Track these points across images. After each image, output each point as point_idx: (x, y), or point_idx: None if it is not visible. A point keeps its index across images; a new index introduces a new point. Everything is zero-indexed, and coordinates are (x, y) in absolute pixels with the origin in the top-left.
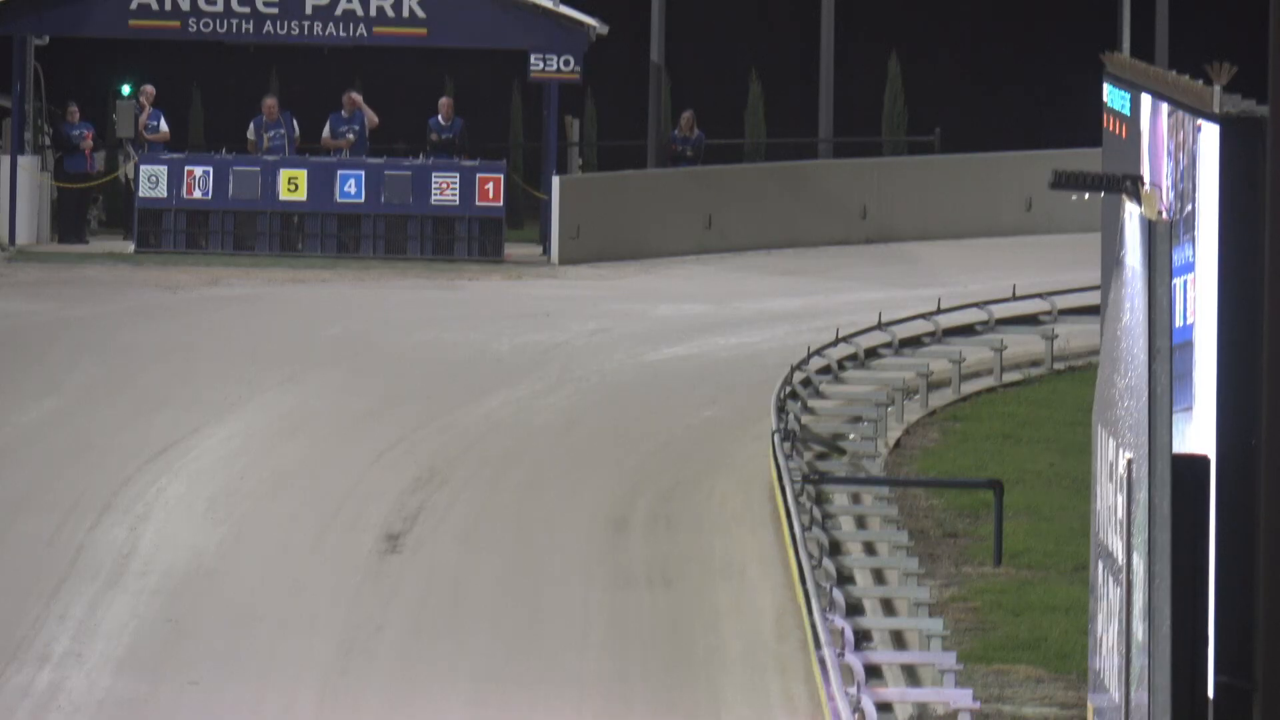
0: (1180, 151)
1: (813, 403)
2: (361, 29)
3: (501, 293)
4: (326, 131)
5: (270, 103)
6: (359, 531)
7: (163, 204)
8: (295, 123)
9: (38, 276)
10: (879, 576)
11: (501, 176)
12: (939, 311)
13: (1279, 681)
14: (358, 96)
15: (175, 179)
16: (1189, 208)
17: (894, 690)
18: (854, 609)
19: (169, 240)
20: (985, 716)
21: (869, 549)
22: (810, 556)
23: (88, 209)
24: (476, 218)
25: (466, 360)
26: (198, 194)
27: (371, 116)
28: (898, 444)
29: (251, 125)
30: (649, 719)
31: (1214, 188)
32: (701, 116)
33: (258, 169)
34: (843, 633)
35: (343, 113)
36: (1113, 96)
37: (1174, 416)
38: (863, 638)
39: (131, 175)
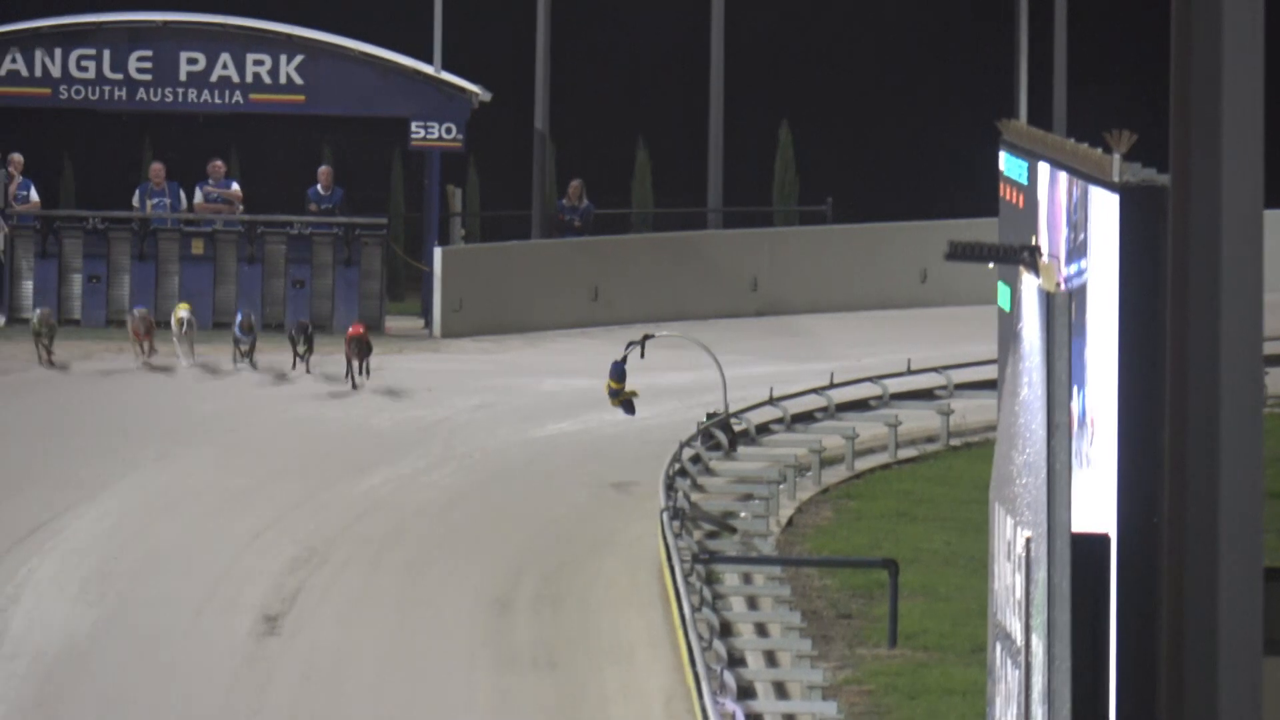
0: (1078, 221)
1: (702, 480)
2: (238, 95)
3: (382, 366)
4: (198, 197)
5: (157, 168)
6: (236, 613)
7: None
8: (181, 191)
9: None
10: (771, 658)
11: (380, 247)
12: (832, 386)
13: None
14: (221, 165)
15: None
16: (1084, 280)
17: None
18: (746, 692)
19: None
20: None
21: (761, 630)
22: (700, 638)
23: None
24: (355, 289)
25: (346, 435)
26: (75, 263)
27: (235, 191)
28: (790, 522)
29: (137, 192)
30: None
31: (1113, 258)
32: (589, 185)
33: (130, 237)
34: (734, 717)
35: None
36: (1009, 165)
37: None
38: None
39: (2, 246)
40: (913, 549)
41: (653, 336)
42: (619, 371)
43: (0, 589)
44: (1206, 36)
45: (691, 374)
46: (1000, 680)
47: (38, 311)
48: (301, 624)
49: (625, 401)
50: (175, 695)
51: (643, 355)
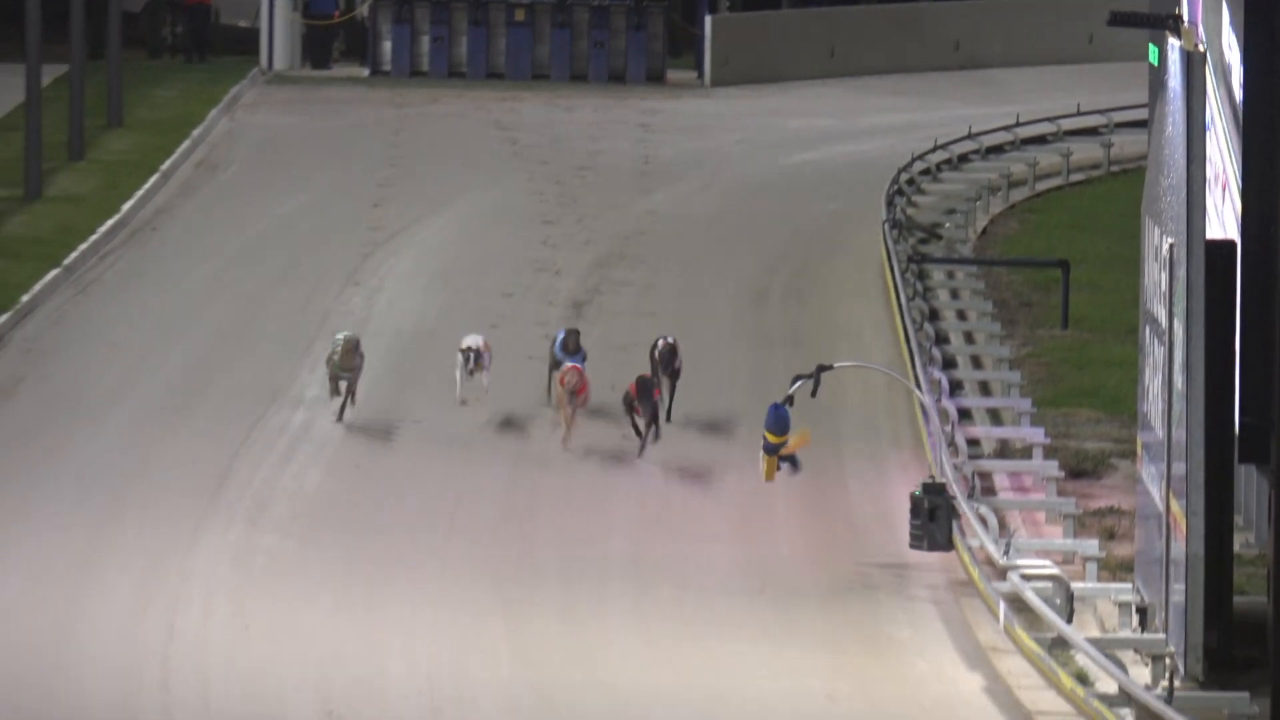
0: None
1: (915, 198)
2: None
3: (664, 109)
4: None
5: None
6: (549, 304)
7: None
8: None
9: (290, 96)
10: (968, 338)
11: (662, 16)
12: (1018, 125)
13: None
14: None
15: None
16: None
17: (980, 429)
18: (948, 364)
19: (396, 67)
20: (1054, 450)
21: (960, 316)
22: (913, 321)
23: (331, 42)
24: (643, 48)
25: (635, 162)
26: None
27: None
28: (984, 231)
29: None
30: None
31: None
32: None
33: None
34: (939, 382)
35: None
36: None
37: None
38: (955, 387)
39: (366, 14)
40: (1081, 252)
41: (829, 368)
42: (781, 420)
43: (368, 282)
44: None
45: (905, 115)
46: (1148, 355)
47: (341, 340)
48: (601, 311)
49: (788, 457)
50: (499, 365)
51: (814, 394)
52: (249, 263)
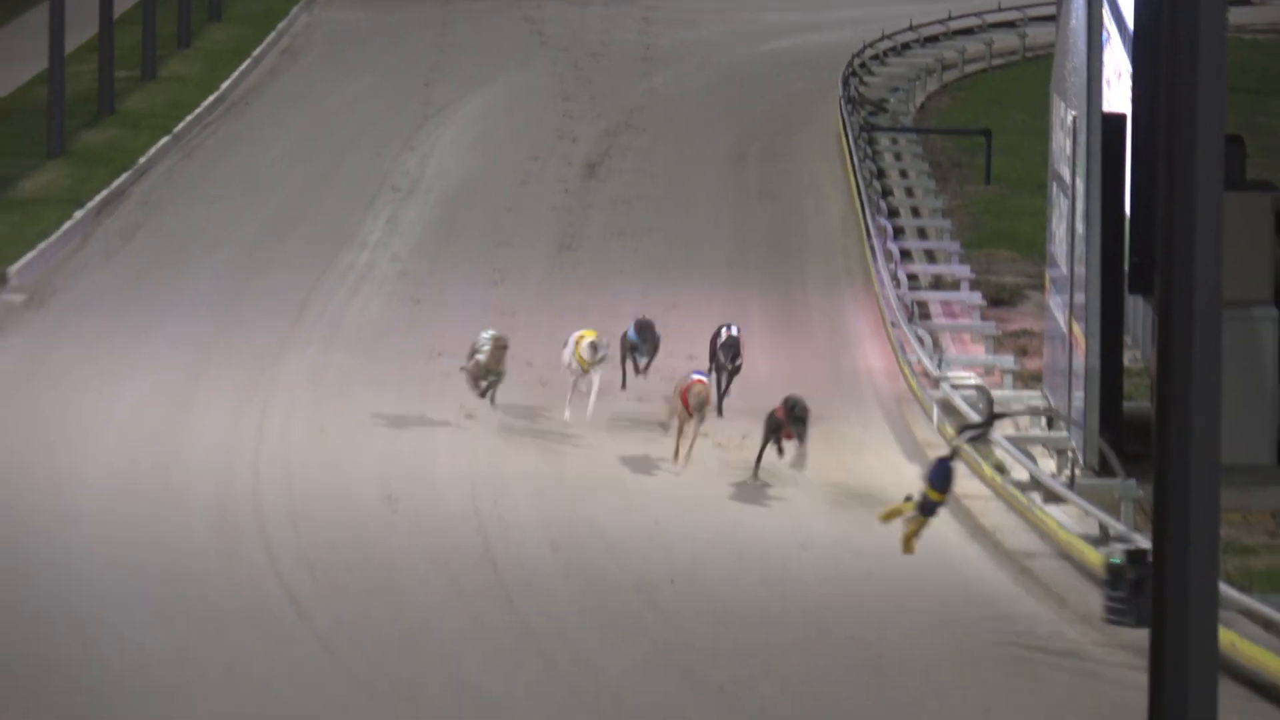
0: None
1: (866, 79)
2: None
3: (664, 5)
4: None
5: None
6: (565, 165)
7: None
8: None
9: None
10: (909, 192)
11: None
12: (950, 19)
13: (1173, 260)
14: None
15: None
16: None
17: (918, 266)
18: (893, 213)
19: None
20: (978, 283)
21: (902, 174)
22: (864, 178)
23: None
24: None
25: (634, 49)
26: None
27: None
28: (922, 106)
29: None
30: (759, 280)
31: None
32: None
33: None
34: (885, 229)
35: None
36: None
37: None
38: (898, 232)
39: None
40: (1001, 123)
41: (1001, 416)
42: (946, 475)
43: (420, 147)
44: None
45: (862, 10)
46: (1055, 206)
47: (488, 339)
48: (610, 171)
49: (928, 504)
50: (530, 212)
51: (987, 435)
52: (323, 132)
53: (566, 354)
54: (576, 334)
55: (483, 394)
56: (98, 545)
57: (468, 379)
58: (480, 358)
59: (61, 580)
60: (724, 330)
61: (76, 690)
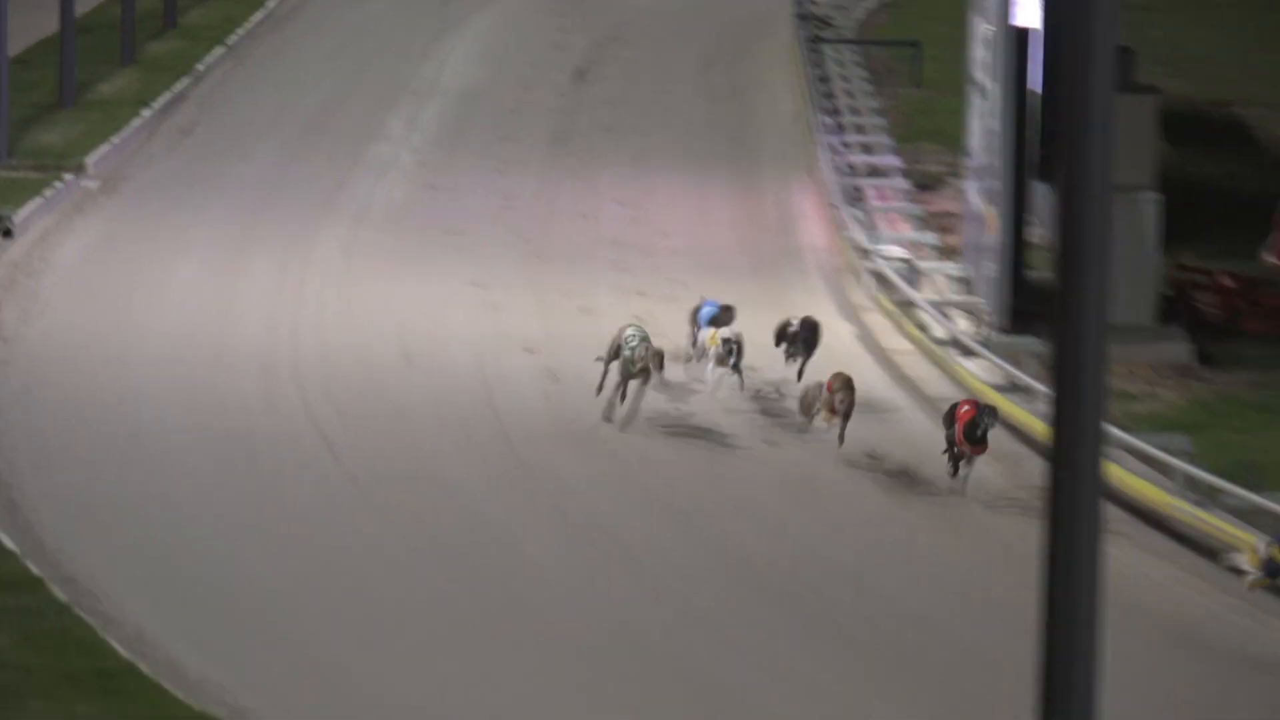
0: None
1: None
2: None
3: None
4: None
5: None
6: (559, 72)
7: None
8: None
9: None
10: (849, 94)
11: None
12: None
13: (1072, 152)
14: None
15: None
16: None
17: (857, 156)
18: (835, 111)
19: None
20: (907, 171)
21: (844, 79)
22: (811, 83)
23: None
24: None
25: None
26: None
27: None
28: (862, 22)
29: None
30: (727, 165)
31: None
32: None
33: None
34: (828, 125)
35: None
36: None
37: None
38: (840, 128)
39: None
40: (933, 35)
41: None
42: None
43: (435, 57)
44: None
45: None
46: (974, 107)
47: (635, 335)
48: (598, 76)
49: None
50: (530, 111)
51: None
52: (353, 44)
53: (702, 337)
54: (710, 330)
55: (622, 389)
56: (163, 392)
57: (619, 375)
58: (630, 353)
59: (131, 417)
60: (792, 322)
61: (154, 525)
